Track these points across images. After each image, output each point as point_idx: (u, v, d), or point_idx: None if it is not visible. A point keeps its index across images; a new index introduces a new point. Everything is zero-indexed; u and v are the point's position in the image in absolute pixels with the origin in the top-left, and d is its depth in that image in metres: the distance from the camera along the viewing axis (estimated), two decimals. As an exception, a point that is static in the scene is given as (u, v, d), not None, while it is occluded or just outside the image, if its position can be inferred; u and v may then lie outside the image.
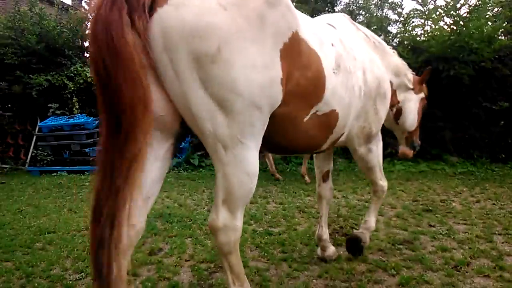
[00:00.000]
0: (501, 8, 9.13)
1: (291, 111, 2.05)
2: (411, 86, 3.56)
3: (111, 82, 1.53)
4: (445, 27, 8.47)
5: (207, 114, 1.70)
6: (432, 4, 8.91)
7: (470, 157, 7.81)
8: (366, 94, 2.71)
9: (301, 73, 2.00)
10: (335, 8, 16.05)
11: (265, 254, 3.52)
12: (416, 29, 8.75)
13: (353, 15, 13.41)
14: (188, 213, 4.99)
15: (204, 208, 5.27)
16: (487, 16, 8.44)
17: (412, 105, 3.60)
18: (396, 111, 3.59)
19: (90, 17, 1.62)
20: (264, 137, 1.94)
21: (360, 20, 12.97)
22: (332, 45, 2.35)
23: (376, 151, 3.10)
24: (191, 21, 1.59)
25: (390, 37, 10.26)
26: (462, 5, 8.29)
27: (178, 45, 1.61)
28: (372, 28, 9.65)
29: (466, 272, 3.08)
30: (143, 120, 1.58)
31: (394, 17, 13.38)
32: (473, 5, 8.51)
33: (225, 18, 1.64)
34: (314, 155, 3.42)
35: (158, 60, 1.64)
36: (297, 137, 2.25)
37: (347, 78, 2.40)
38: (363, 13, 16.18)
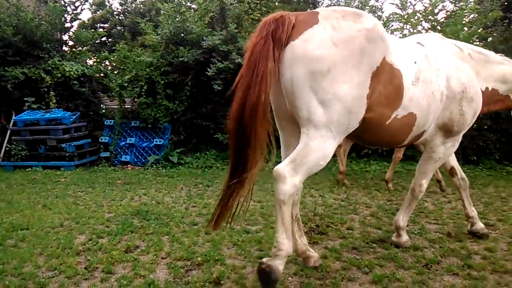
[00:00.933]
0: (477, 15, 9.39)
1: (376, 115, 2.77)
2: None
3: (251, 87, 2.50)
4: (423, 31, 8.67)
5: (308, 106, 2.55)
6: (411, 8, 9.10)
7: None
8: (449, 98, 3.26)
9: (384, 87, 2.73)
10: (317, 9, 16.22)
11: (242, 252, 3.55)
12: (395, 33, 8.91)
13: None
14: (166, 210, 4.97)
15: (182, 205, 5.26)
16: (463, 22, 8.68)
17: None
18: (510, 110, 4.19)
19: (248, 49, 2.67)
20: (356, 134, 2.82)
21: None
22: (415, 62, 3.02)
23: (450, 149, 3.54)
24: (312, 50, 2.51)
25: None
26: (440, 10, 8.50)
27: (301, 64, 2.52)
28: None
29: (436, 270, 3.18)
30: (266, 110, 2.58)
31: (374, 19, 13.56)
32: (450, 11, 8.75)
33: (335, 51, 2.52)
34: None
35: (282, 75, 2.59)
36: (380, 134, 3.00)
37: (426, 87, 3.03)
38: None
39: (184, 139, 9.20)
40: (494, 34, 8.98)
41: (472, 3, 9.31)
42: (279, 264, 2.63)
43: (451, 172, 4.07)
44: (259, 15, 9.39)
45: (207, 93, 8.85)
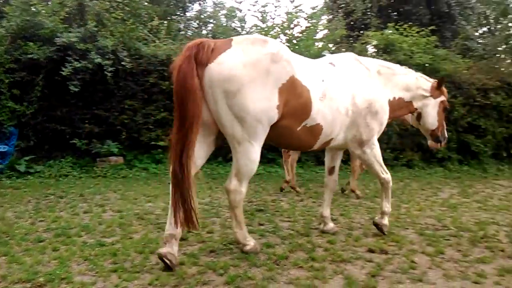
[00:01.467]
0: (327, 31, 10.58)
1: (289, 123, 3.45)
2: (427, 94, 4.55)
3: (183, 103, 3.04)
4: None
5: (230, 123, 3.18)
6: (271, 22, 9.79)
7: (299, 161, 8.77)
8: (355, 113, 3.89)
9: (295, 100, 3.37)
10: (186, 13, 16.23)
11: (94, 266, 3.31)
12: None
13: (202, 22, 13.81)
14: (6, 227, 4.37)
15: (27, 221, 4.69)
16: (315, 38, 9.68)
17: (430, 109, 4.61)
18: (418, 115, 4.72)
19: (175, 68, 3.17)
20: (272, 138, 3.49)
21: (209, 29, 13.37)
22: (323, 80, 3.64)
23: (371, 153, 4.10)
24: (225, 72, 3.07)
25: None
26: (295, 25, 9.33)
27: (216, 84, 3.09)
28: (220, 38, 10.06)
29: (285, 265, 3.44)
30: (197, 122, 3.09)
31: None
32: (304, 27, 9.67)
33: (244, 72, 3.10)
34: (325, 154, 4.51)
35: (206, 93, 3.15)
36: (293, 140, 3.68)
37: (332, 102, 3.65)
38: (214, 21, 16.78)
39: (34, 145, 8.23)
40: (342, 49, 10.22)
41: (324, 21, 10.47)
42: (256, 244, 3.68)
43: (330, 171, 4.49)
44: (122, 14, 8.98)
45: (63, 95, 8.09)
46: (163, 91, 8.19)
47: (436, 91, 4.64)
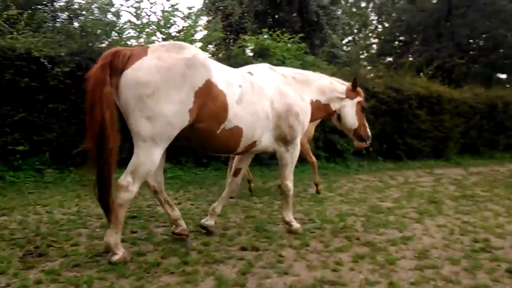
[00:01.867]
0: (206, 32, 10.62)
1: (208, 126, 3.60)
2: (343, 96, 4.87)
3: (95, 108, 3.20)
4: (159, 41, 9.13)
5: (140, 122, 3.25)
6: (147, 19, 9.44)
7: (179, 163, 8.66)
8: (276, 116, 4.19)
9: (212, 103, 3.53)
10: (54, 3, 14.74)
11: None
12: (132, 40, 9.04)
13: (72, 14, 12.66)
14: None
15: None
16: (193, 38, 9.64)
17: (348, 109, 4.91)
18: (337, 116, 4.98)
19: (89, 76, 3.26)
20: (195, 142, 3.79)
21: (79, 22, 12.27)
22: (240, 86, 3.85)
23: (291, 153, 4.43)
24: (140, 77, 3.21)
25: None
26: (172, 25, 9.16)
27: (131, 89, 3.22)
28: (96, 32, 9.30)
29: (156, 272, 3.33)
30: (112, 128, 3.30)
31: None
32: (182, 26, 9.55)
33: (158, 77, 3.23)
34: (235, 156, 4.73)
35: (121, 97, 3.29)
36: (216, 142, 3.80)
37: (250, 107, 3.88)
38: (85, 14, 15.55)
39: None
40: (223, 51, 10.33)
41: (204, 21, 10.49)
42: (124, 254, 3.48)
43: (236, 172, 4.68)
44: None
45: None
46: (21, 89, 7.25)
47: (351, 92, 4.97)
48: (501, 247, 4.28)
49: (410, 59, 17.12)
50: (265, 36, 10.30)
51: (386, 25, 22.76)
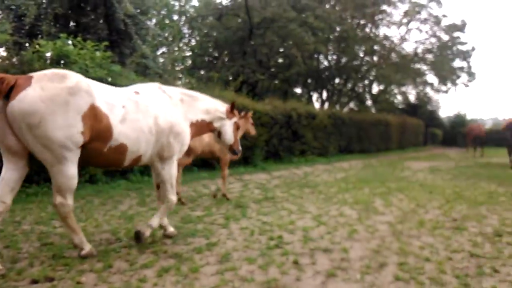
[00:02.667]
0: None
1: (96, 145, 3.94)
2: (224, 116, 5.37)
3: None
4: None
5: (39, 150, 3.61)
6: None
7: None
8: (159, 132, 4.44)
9: (97, 125, 3.85)
10: None
11: None
12: None
13: None
14: None
15: None
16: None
17: (227, 128, 5.46)
18: (218, 133, 5.49)
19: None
20: (87, 158, 3.97)
21: None
22: (123, 106, 4.12)
23: (168, 170, 4.74)
24: (25, 107, 3.44)
25: None
26: None
27: (19, 119, 3.46)
28: None
29: None
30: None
31: None
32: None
33: (43, 106, 3.49)
34: (152, 172, 5.07)
35: (12, 125, 3.54)
36: (103, 159, 4.14)
37: (133, 124, 4.15)
38: None
39: None
40: (15, 56, 8.83)
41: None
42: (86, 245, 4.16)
43: (158, 186, 5.11)
44: None
45: None
46: None
47: (230, 113, 5.49)
48: (291, 242, 4.88)
49: (218, 73, 18.24)
50: (69, 42, 9.36)
51: (198, 39, 23.81)
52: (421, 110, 34.39)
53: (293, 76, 22.66)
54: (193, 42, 24.82)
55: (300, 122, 16.52)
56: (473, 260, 4.36)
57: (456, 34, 28.60)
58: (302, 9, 19.86)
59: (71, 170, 3.79)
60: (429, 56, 28.80)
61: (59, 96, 3.58)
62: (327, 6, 22.21)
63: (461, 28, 28.34)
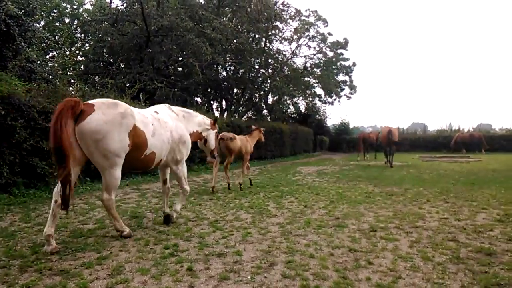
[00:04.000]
0: None
1: (136, 153, 5.36)
2: (209, 128, 7.45)
3: (58, 142, 4.48)
4: None
5: (99, 158, 4.96)
6: None
7: None
8: (173, 142, 6.12)
9: (137, 139, 5.29)
10: None
11: None
12: None
13: None
14: None
15: None
16: None
17: (211, 136, 7.62)
18: (204, 140, 7.59)
19: (57, 110, 4.66)
20: (127, 164, 5.31)
21: None
22: (152, 124, 5.65)
23: (182, 169, 6.54)
24: (92, 127, 4.82)
25: None
26: None
27: (87, 135, 4.82)
28: None
29: None
30: (70, 156, 4.64)
31: None
32: None
33: (106, 126, 4.89)
34: (159, 171, 6.81)
35: (80, 140, 4.88)
36: (139, 164, 5.61)
37: (159, 137, 5.74)
38: None
39: None
40: None
41: None
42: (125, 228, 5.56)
43: (164, 182, 6.79)
44: None
45: None
46: None
47: (213, 125, 7.66)
48: (187, 249, 4.96)
49: (112, 80, 17.45)
50: None
51: (92, 43, 22.45)
52: (310, 119, 36.96)
53: (193, 85, 22.69)
54: (86, 47, 23.34)
55: (200, 131, 16.57)
56: (351, 255, 4.89)
57: (339, 50, 31.56)
58: (199, 20, 20.07)
59: (118, 173, 5.21)
60: (317, 70, 31.27)
61: (116, 119, 5.05)
62: (224, 19, 22.79)
63: (344, 45, 31.38)
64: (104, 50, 21.41)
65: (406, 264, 4.52)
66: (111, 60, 22.40)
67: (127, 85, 18.63)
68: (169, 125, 6.09)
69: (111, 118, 4.99)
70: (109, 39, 19.91)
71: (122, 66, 21.02)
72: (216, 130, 7.80)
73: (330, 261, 4.64)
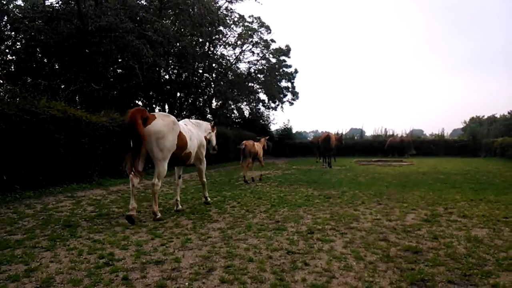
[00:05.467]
0: None
1: (179, 151, 7.70)
2: (210, 131, 9.87)
3: (135, 133, 6.89)
4: None
5: (157, 152, 7.21)
6: None
7: None
8: (198, 145, 8.62)
9: (181, 141, 7.67)
10: None
11: None
12: None
13: None
14: None
15: None
16: None
17: (213, 137, 10.20)
18: (209, 140, 9.82)
19: (130, 113, 6.96)
20: (172, 159, 7.60)
21: None
22: (189, 131, 8.31)
23: (203, 166, 9.07)
24: (156, 129, 7.15)
25: None
26: None
27: (152, 134, 7.11)
28: None
29: None
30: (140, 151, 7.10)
31: None
32: None
33: (166, 129, 7.28)
34: (175, 168, 8.82)
35: (146, 139, 7.11)
36: (181, 159, 8.03)
37: (193, 141, 8.24)
38: None
39: None
40: None
41: None
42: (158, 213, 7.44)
43: (179, 177, 8.83)
44: None
45: None
46: None
47: (212, 129, 10.04)
48: (123, 258, 4.81)
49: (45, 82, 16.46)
50: None
51: (24, 42, 21.00)
52: (254, 124, 37.37)
53: (133, 88, 22.03)
54: (18, 45, 21.78)
55: (141, 135, 16.16)
56: (289, 257, 5.03)
57: (282, 57, 32.29)
58: (140, 21, 19.57)
59: (166, 165, 7.35)
60: (260, 76, 31.74)
61: (169, 125, 7.31)
62: (166, 21, 22.41)
63: (286, 52, 32.16)
64: (38, 50, 20.15)
65: (340, 264, 4.72)
66: (45, 60, 21.13)
67: (62, 86, 17.67)
68: (194, 132, 8.53)
69: (167, 123, 7.32)
70: (42, 38, 18.77)
71: (57, 67, 19.90)
72: (215, 131, 10.35)
73: (268, 263, 4.73)
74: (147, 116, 7.11)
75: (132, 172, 6.91)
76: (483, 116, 59.70)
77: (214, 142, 10.45)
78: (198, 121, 9.58)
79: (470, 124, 56.16)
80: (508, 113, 50.65)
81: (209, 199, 9.30)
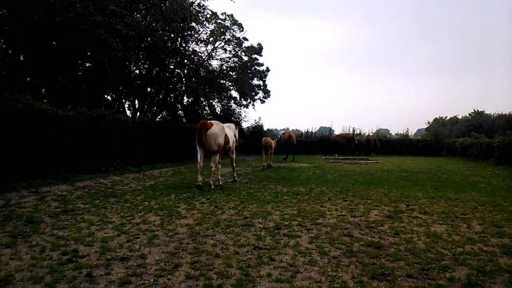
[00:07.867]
0: None
1: (225, 146, 12.44)
2: (235, 130, 14.15)
3: (201, 138, 11.46)
4: None
5: (213, 146, 11.71)
6: None
7: None
8: (232, 140, 13.03)
9: (227, 139, 12.41)
10: None
11: None
12: None
13: None
14: None
15: None
16: None
17: (236, 134, 14.35)
18: (234, 136, 13.69)
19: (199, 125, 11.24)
20: (223, 150, 12.59)
21: None
22: (228, 132, 12.77)
23: (233, 156, 13.68)
24: (214, 132, 11.70)
25: None
26: None
27: (210, 135, 11.63)
28: None
29: None
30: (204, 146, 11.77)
31: None
32: None
33: (219, 131, 11.93)
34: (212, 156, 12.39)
35: (207, 138, 11.60)
36: (225, 150, 12.83)
37: (231, 139, 12.90)
38: None
39: None
40: None
41: None
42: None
43: (219, 162, 12.90)
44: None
45: None
46: None
47: (236, 128, 14.07)
48: (87, 254, 4.76)
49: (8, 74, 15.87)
50: None
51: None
52: (226, 121, 37.16)
53: (102, 82, 21.53)
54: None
55: (109, 130, 15.89)
56: (255, 252, 5.12)
57: (254, 56, 32.36)
58: (110, 15, 19.14)
59: (219, 155, 12.22)
60: (232, 74, 31.70)
61: (221, 129, 11.80)
62: (137, 15, 22.02)
63: (258, 51, 32.24)
64: (1, 40, 19.35)
65: (304, 259, 4.85)
66: (10, 51, 20.32)
67: (27, 79, 17.07)
68: (230, 132, 12.59)
69: (220, 128, 11.70)
70: (6, 28, 18.04)
71: (22, 59, 19.19)
72: (237, 130, 14.46)
73: (235, 259, 4.80)
74: (208, 125, 11.46)
75: (199, 159, 11.51)
76: (446, 117, 61.74)
77: (237, 137, 14.34)
78: (229, 124, 13.72)
79: (434, 124, 57.98)
80: (469, 114, 52.66)
81: (236, 178, 13.83)
